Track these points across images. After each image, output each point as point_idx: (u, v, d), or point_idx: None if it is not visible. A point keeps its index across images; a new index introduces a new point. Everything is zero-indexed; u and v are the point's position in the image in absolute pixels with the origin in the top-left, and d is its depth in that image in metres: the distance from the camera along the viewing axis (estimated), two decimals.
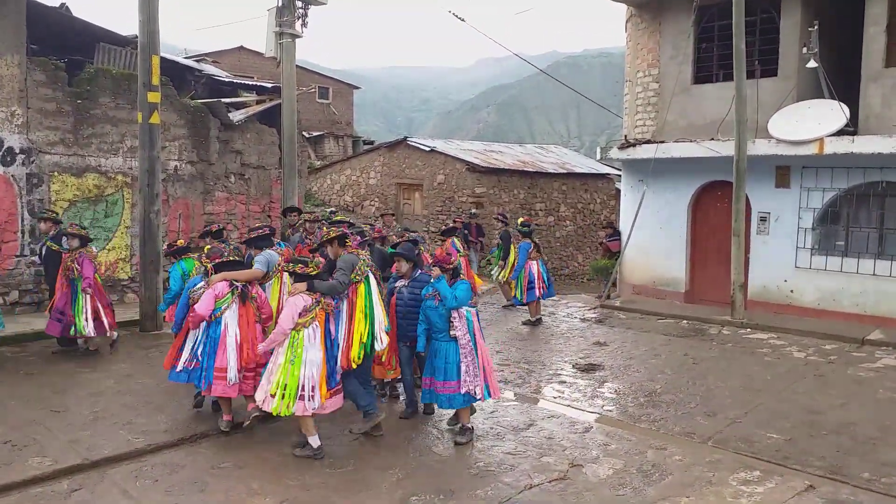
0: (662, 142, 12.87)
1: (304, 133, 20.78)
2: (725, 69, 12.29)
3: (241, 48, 33.19)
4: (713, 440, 6.44)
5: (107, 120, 11.26)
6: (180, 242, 8.00)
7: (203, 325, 6.14)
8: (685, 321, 11.85)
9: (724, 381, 8.30)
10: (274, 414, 5.69)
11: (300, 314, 5.62)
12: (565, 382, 8.27)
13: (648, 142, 13.16)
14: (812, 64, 11.07)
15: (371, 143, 33.45)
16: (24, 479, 5.20)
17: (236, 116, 13.34)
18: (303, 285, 5.75)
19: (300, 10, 12.19)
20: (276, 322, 5.98)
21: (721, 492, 5.31)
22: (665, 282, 13.51)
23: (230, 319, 6.14)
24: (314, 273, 5.81)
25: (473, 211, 17.26)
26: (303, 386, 5.56)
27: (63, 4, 12.26)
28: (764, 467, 5.78)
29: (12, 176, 10.20)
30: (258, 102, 14.55)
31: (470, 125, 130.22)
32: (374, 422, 6.21)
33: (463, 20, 15.89)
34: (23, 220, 10.37)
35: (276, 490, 5.22)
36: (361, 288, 6.09)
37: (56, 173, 10.70)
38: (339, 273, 5.96)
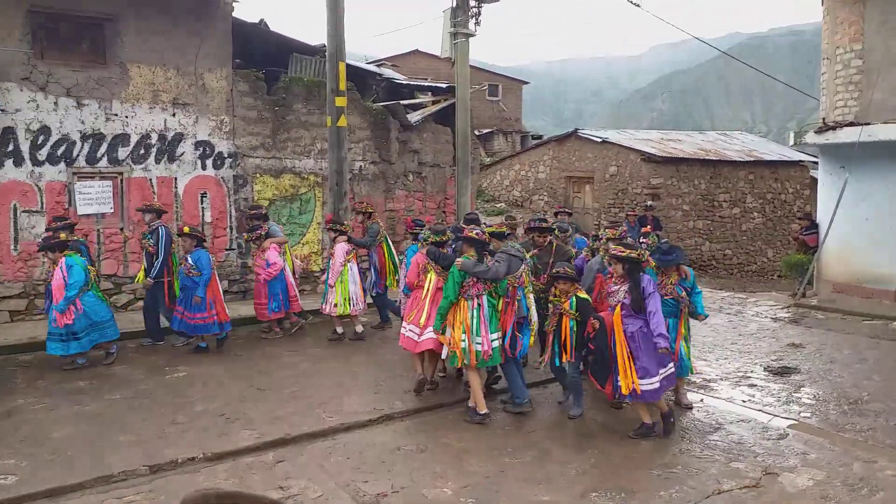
0: (868, 123, 11.56)
1: (474, 131, 21.19)
2: None
3: (416, 51, 34.48)
4: None
5: (300, 125, 12.23)
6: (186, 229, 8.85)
7: None
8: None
9: None
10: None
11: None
12: (756, 385, 7.72)
13: (851, 124, 11.88)
14: None
15: (539, 137, 33.36)
16: (236, 449, 5.81)
17: (413, 117, 13.89)
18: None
19: (474, 9, 12.41)
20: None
21: None
22: (872, 279, 12.13)
23: None
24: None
25: (650, 203, 16.60)
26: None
27: (262, 20, 13.46)
28: None
29: (222, 178, 11.41)
30: (433, 103, 15.04)
31: (643, 115, 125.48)
32: (520, 409, 6.66)
33: (638, 5, 15.35)
34: (231, 217, 11.56)
35: (457, 475, 5.39)
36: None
37: (258, 175, 11.80)
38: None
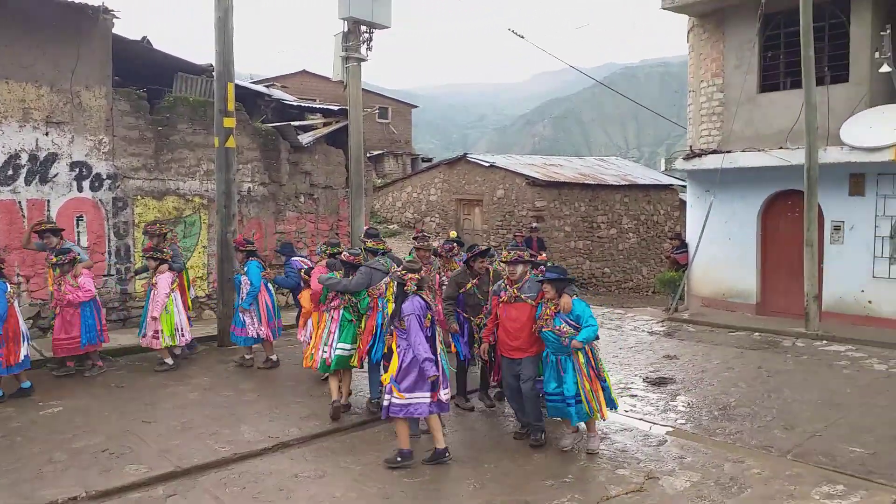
0: (729, 151, 12.68)
1: (366, 153, 21.25)
2: (793, 76, 12.07)
3: (304, 72, 34.25)
4: (792, 454, 6.31)
5: (185, 145, 11.84)
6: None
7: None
8: (757, 333, 11.59)
9: (802, 394, 8.11)
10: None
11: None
12: (636, 396, 8.22)
13: (714, 152, 12.99)
14: (886, 69, 10.78)
15: (429, 160, 33.95)
16: (123, 485, 5.51)
17: (305, 139, 13.80)
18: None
19: (365, 35, 12.56)
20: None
21: None
22: (735, 294, 13.24)
23: None
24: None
25: (535, 224, 17.29)
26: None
27: (144, 38, 12.95)
28: (847, 481, 5.64)
29: (100, 200, 10.83)
30: (325, 125, 15.00)
31: (525, 140, 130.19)
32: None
33: (522, 37, 16.08)
34: (109, 242, 10.98)
35: (357, 498, 5.39)
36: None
37: (139, 197, 11.30)
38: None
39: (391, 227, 24.11)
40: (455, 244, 8.59)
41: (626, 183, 22.18)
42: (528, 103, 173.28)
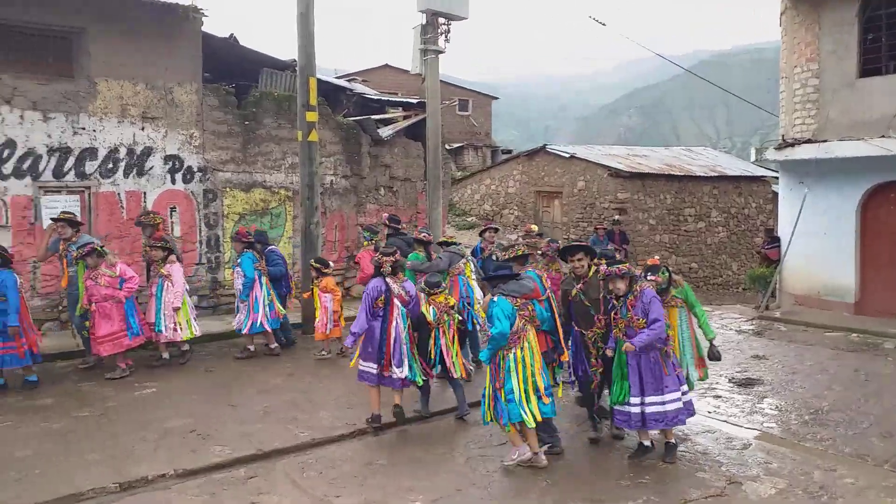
0: (825, 140, 11.97)
1: (445, 145, 21.36)
2: None
3: (386, 66, 34.68)
4: (890, 463, 5.91)
5: (270, 139, 12.22)
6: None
7: None
8: (855, 334, 10.92)
9: None
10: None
11: None
12: (721, 397, 7.91)
13: (809, 141, 12.29)
14: None
15: (509, 151, 33.73)
16: (207, 465, 5.77)
17: (385, 132, 13.98)
18: None
19: (443, 27, 12.57)
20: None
21: None
22: (831, 291, 12.51)
23: None
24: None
25: (616, 217, 16.91)
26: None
27: (232, 35, 13.44)
28: None
29: (192, 192, 11.33)
30: (404, 118, 15.16)
31: (610, 130, 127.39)
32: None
33: (604, 24, 15.71)
34: (200, 232, 11.48)
35: (428, 489, 5.43)
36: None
37: (228, 189, 11.75)
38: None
39: (469, 219, 24.12)
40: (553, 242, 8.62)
41: (716, 174, 21.33)
42: (612, 93, 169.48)
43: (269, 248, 9.87)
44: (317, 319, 9.21)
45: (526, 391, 5.70)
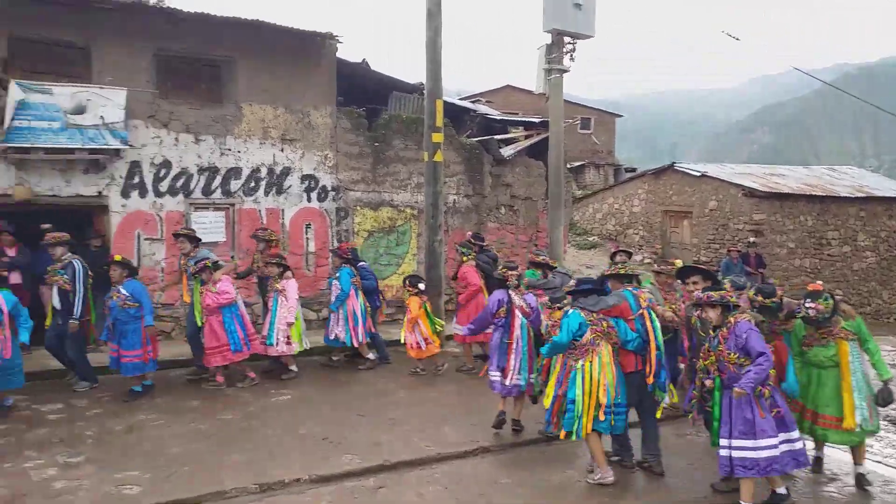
0: None
1: (566, 164, 21.15)
2: None
3: (508, 86, 34.91)
4: None
5: (398, 160, 12.61)
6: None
7: None
8: None
9: None
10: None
11: None
12: (875, 436, 7.24)
13: None
14: None
15: (633, 170, 32.87)
16: (340, 473, 5.97)
17: (506, 152, 14.05)
18: None
19: (569, 45, 12.49)
20: None
21: None
22: None
23: None
24: None
25: (752, 240, 16.01)
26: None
27: (363, 60, 14.03)
28: None
29: (325, 210, 11.89)
30: (526, 137, 15.17)
31: (741, 148, 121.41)
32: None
33: (738, 39, 15.07)
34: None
35: None
36: None
37: (358, 207, 12.22)
38: None
39: (590, 238, 23.67)
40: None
41: (863, 195, 19.72)
42: (743, 109, 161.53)
43: (360, 263, 10.17)
44: (405, 334, 9.12)
45: (588, 404, 5.66)
